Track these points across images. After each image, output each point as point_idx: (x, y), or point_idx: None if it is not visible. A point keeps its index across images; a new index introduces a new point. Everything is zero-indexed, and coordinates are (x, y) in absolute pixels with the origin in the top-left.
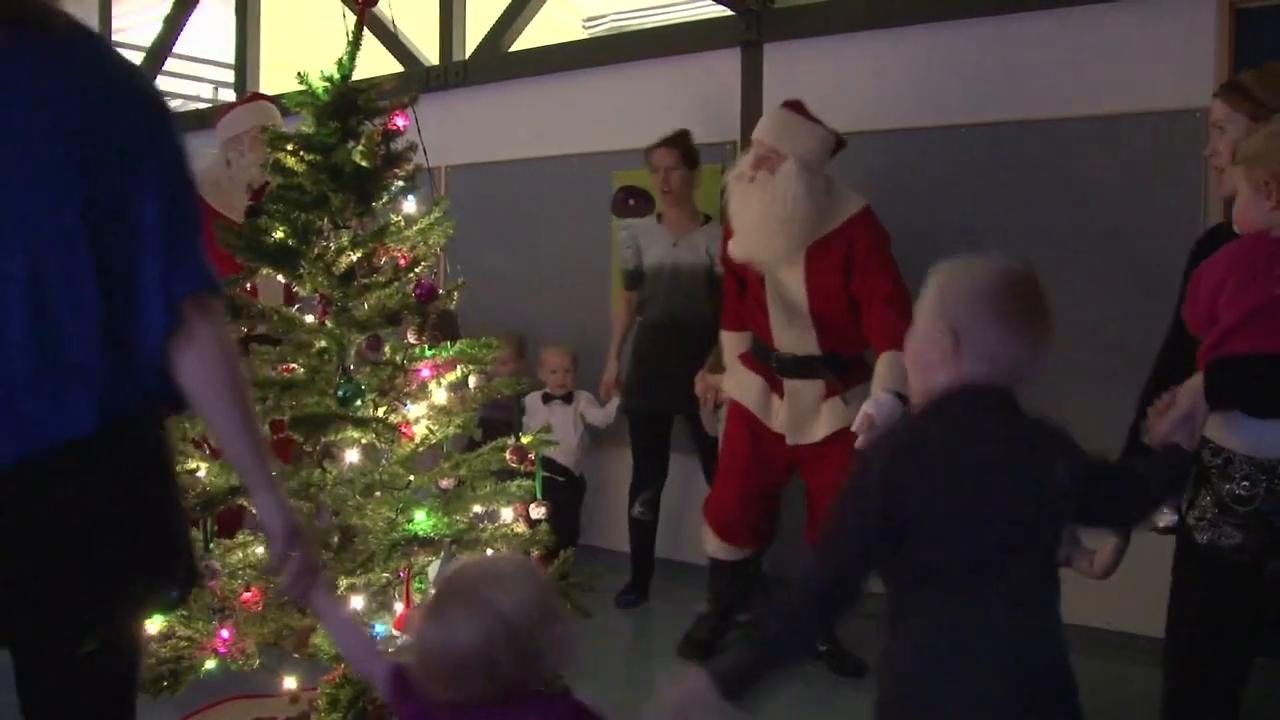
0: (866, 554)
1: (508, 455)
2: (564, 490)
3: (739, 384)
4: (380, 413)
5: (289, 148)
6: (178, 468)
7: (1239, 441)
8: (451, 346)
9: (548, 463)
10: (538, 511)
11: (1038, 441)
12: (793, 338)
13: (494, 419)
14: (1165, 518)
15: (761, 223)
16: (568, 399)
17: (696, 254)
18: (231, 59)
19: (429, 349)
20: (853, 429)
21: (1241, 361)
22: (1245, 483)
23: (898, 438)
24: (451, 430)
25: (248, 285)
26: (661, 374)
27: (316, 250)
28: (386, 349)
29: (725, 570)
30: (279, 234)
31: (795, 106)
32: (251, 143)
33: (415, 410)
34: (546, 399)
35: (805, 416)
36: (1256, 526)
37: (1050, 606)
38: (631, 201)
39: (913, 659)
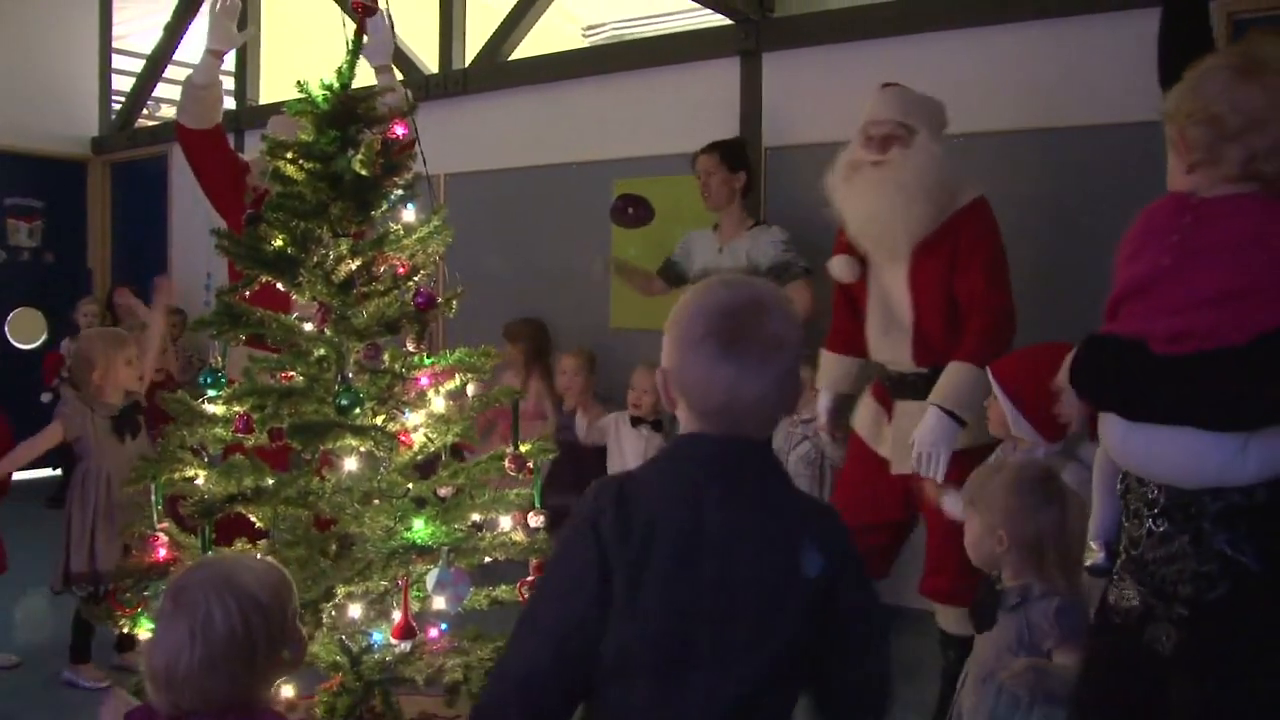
0: (574, 640)
1: (506, 464)
2: None
3: (860, 406)
4: (379, 421)
5: (288, 156)
6: (176, 475)
7: (1111, 445)
8: (547, 356)
9: None
10: (536, 520)
11: (774, 517)
12: (889, 348)
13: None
14: (1092, 554)
15: (909, 195)
16: (656, 426)
17: (737, 259)
18: (232, 66)
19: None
20: (912, 465)
21: (1109, 344)
22: (1135, 520)
23: (610, 493)
24: (450, 438)
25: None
26: None
27: (316, 258)
28: (385, 357)
29: None
30: (278, 242)
31: (898, 86)
32: None
33: (414, 418)
34: (635, 423)
35: (909, 441)
36: (1144, 579)
37: None
38: (630, 210)
39: None
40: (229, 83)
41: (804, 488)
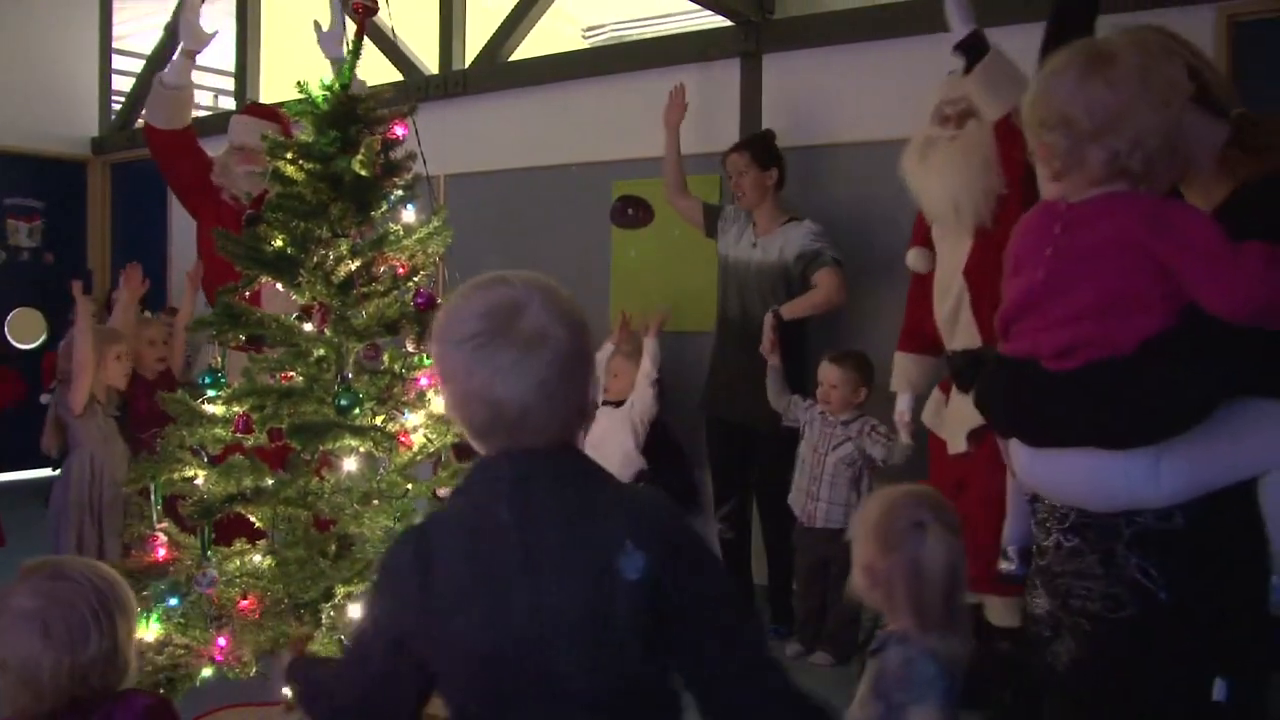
0: (377, 694)
1: None
2: None
3: (930, 399)
4: (378, 421)
5: (289, 156)
6: (176, 475)
7: (1018, 471)
8: None
9: None
10: None
11: (583, 524)
12: (949, 328)
13: None
14: (1005, 562)
15: (987, 163)
16: (618, 404)
17: (769, 254)
18: (232, 67)
19: None
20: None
21: (1004, 367)
22: (1043, 530)
23: (410, 540)
24: (449, 438)
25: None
26: (738, 381)
27: (315, 259)
28: (385, 357)
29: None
30: (278, 242)
31: None
32: (240, 157)
33: (413, 419)
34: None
35: (959, 420)
36: (1052, 590)
37: None
38: (630, 211)
39: None
40: (229, 83)
41: (843, 488)
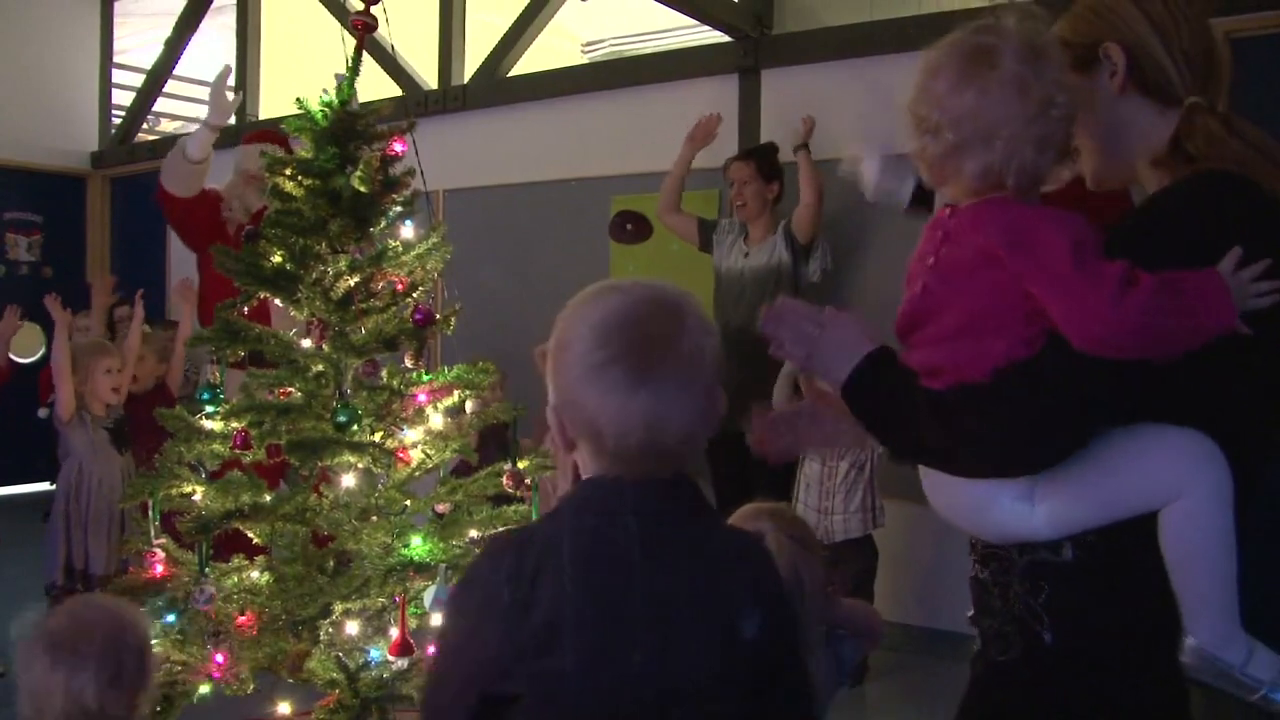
0: None
1: (504, 480)
2: None
3: None
4: (377, 437)
5: (287, 172)
6: (174, 491)
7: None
8: None
9: None
10: None
11: (711, 574)
12: None
13: None
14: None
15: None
16: None
17: (759, 257)
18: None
19: None
20: None
21: (894, 369)
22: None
23: (508, 561)
24: (448, 455)
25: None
26: (737, 392)
27: (314, 275)
28: (383, 374)
29: None
30: (277, 259)
31: None
32: (255, 183)
33: (412, 435)
34: None
35: None
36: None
37: None
38: (629, 226)
39: None
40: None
41: (857, 495)
